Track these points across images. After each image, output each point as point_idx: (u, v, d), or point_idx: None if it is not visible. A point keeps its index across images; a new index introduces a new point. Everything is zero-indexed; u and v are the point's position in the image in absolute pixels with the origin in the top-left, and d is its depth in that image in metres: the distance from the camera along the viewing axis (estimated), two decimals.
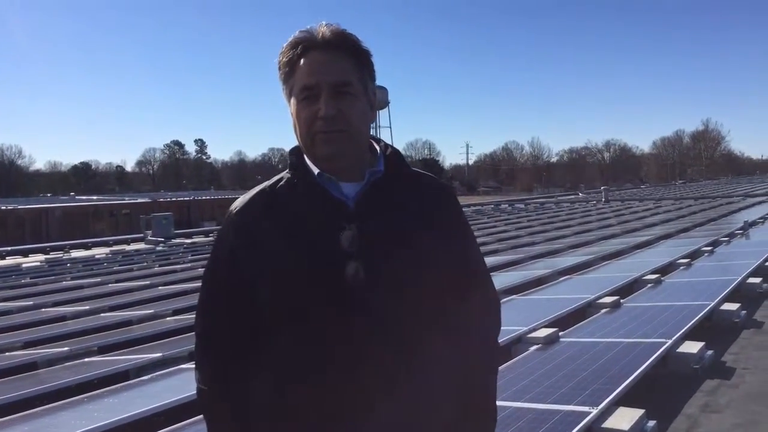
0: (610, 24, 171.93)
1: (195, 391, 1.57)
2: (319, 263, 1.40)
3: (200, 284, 1.59)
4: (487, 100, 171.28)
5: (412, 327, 1.42)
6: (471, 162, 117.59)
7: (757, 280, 8.35)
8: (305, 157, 1.51)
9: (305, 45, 1.45)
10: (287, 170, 1.53)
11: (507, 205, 38.70)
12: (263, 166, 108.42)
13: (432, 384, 1.43)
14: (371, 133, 1.56)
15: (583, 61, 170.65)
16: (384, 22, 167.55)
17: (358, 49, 1.48)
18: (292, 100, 1.47)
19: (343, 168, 1.46)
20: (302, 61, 1.45)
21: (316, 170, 1.47)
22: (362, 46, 1.49)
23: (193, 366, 1.61)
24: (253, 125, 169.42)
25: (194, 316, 1.61)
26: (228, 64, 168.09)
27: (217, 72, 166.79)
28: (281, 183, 1.51)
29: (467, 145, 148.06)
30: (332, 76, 1.43)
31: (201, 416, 4.43)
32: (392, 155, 1.54)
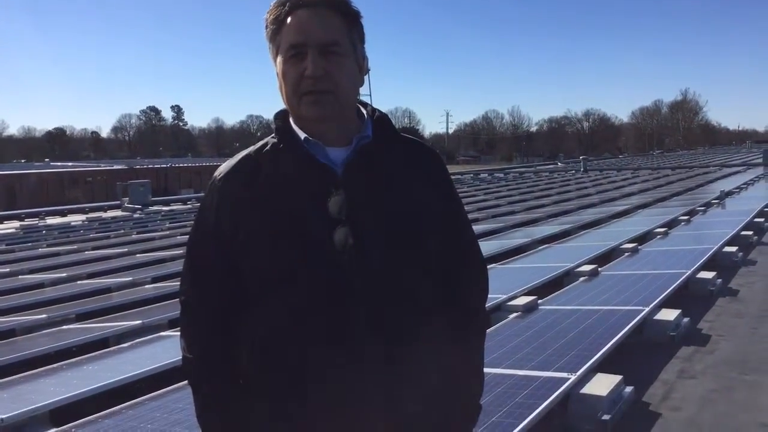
0: None
1: (177, 359, 1.56)
2: (307, 229, 1.38)
3: (181, 251, 1.57)
4: (467, 68, 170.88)
5: (402, 291, 1.41)
6: (451, 131, 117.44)
7: (733, 249, 8.48)
8: (291, 121, 1.48)
9: (293, 2, 1.41)
10: (272, 135, 1.50)
11: (487, 175, 38.77)
12: (242, 133, 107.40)
13: (421, 347, 1.42)
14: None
15: (563, 30, 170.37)
16: None
17: (347, 9, 1.45)
18: (279, 59, 1.43)
19: (329, 132, 1.44)
20: (290, 18, 1.41)
21: (302, 135, 1.44)
22: (352, 7, 1.46)
23: (175, 333, 1.60)
24: (232, 92, 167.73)
25: (174, 283, 1.61)
26: (205, 28, 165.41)
27: (195, 37, 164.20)
28: (266, 148, 1.48)
29: (447, 114, 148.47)
30: (320, 35, 1.39)
31: (184, 383, 4.44)
32: (380, 120, 1.51)
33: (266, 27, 1.45)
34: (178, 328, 1.64)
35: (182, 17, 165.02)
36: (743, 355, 4.81)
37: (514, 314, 5.69)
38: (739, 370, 4.53)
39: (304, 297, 1.38)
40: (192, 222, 1.78)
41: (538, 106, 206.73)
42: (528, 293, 6.35)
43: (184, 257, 1.57)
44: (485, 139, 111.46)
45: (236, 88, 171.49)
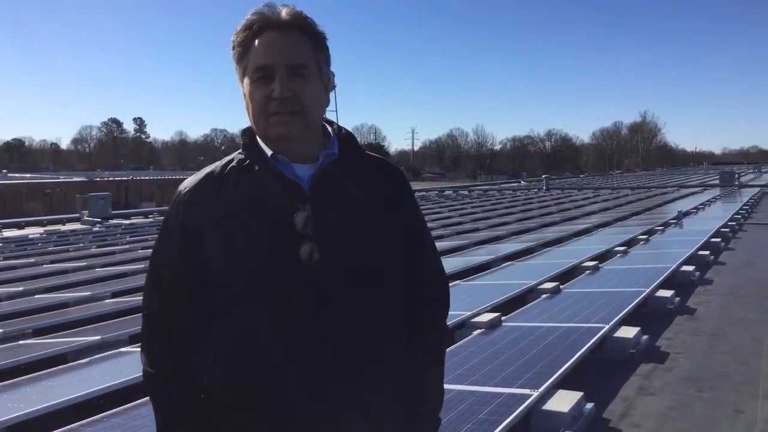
0: (552, 16, 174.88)
1: (137, 375, 1.56)
2: (273, 244, 1.39)
3: (142, 266, 1.57)
4: (433, 86, 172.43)
5: (366, 306, 1.44)
6: (416, 148, 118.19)
7: (690, 268, 8.67)
8: (258, 138, 1.50)
9: (260, 24, 1.43)
10: (238, 151, 1.52)
11: (451, 192, 39.08)
12: (206, 147, 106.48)
13: (383, 361, 1.45)
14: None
15: (528, 52, 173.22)
16: (330, 6, 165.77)
17: (314, 32, 1.48)
18: (246, 81, 1.45)
19: (296, 150, 1.46)
20: (257, 41, 1.43)
21: (269, 152, 1.46)
22: (318, 29, 1.49)
23: (135, 349, 1.60)
24: (196, 105, 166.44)
25: (135, 298, 1.61)
26: (170, 40, 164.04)
27: (159, 48, 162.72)
28: (232, 164, 1.49)
29: (413, 131, 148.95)
30: (288, 58, 1.42)
31: (144, 399, 4.37)
32: (346, 137, 1.55)
33: (233, 48, 1.47)
34: (139, 344, 1.61)
35: (146, 28, 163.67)
36: (700, 373, 4.92)
37: (478, 331, 5.73)
38: (697, 387, 4.63)
39: (269, 311, 1.39)
40: (154, 236, 1.78)
41: (502, 125, 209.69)
42: (491, 310, 6.40)
43: (147, 270, 1.57)
44: (450, 157, 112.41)
45: (200, 102, 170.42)
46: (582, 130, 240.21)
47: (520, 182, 52.18)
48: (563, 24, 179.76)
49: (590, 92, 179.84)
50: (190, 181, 1.51)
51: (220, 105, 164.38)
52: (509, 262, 10.29)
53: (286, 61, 1.42)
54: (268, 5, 1.45)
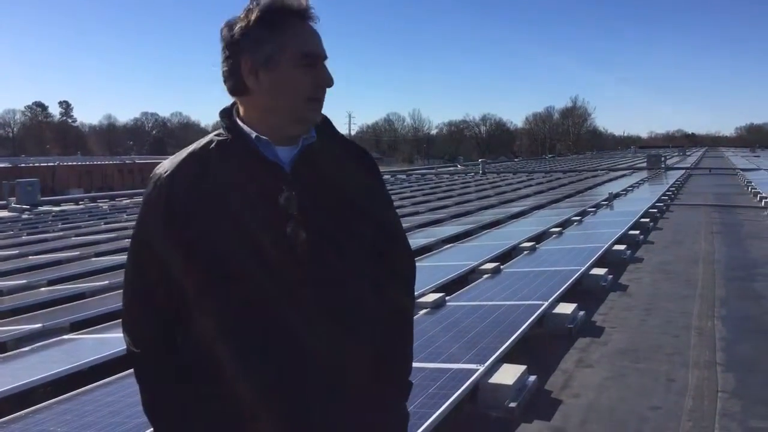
0: (486, 2, 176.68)
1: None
2: (261, 224, 1.44)
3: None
4: (369, 70, 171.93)
5: (347, 283, 1.51)
6: (353, 133, 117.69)
7: (622, 247, 9.05)
8: (238, 120, 1.54)
9: (291, 10, 1.49)
10: (216, 132, 1.55)
11: (390, 176, 39.23)
12: (135, 132, 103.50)
13: (362, 336, 1.53)
14: None
15: (462, 37, 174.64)
16: None
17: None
18: (276, 65, 1.47)
19: (279, 131, 1.51)
20: (296, 27, 1.49)
21: (253, 133, 1.50)
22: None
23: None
24: (124, 88, 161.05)
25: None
26: (96, 21, 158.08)
27: (85, 31, 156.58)
28: (212, 145, 1.52)
29: (349, 116, 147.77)
30: (323, 49, 1.53)
31: (94, 385, 4.35)
32: (323, 121, 1.60)
33: (253, 23, 1.47)
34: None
35: (71, 8, 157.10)
36: (634, 345, 5.19)
37: (424, 310, 5.87)
38: (631, 358, 4.88)
39: (259, 290, 1.44)
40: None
41: (438, 110, 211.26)
42: (436, 290, 6.55)
43: (129, 252, 1.59)
44: (387, 141, 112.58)
45: (129, 85, 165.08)
46: (516, 114, 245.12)
47: (457, 166, 52.84)
48: (496, 10, 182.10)
49: (523, 78, 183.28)
50: (169, 163, 1.53)
51: (150, 88, 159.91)
52: (450, 245, 10.49)
53: (324, 53, 1.53)
54: None
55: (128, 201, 27.49)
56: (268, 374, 1.44)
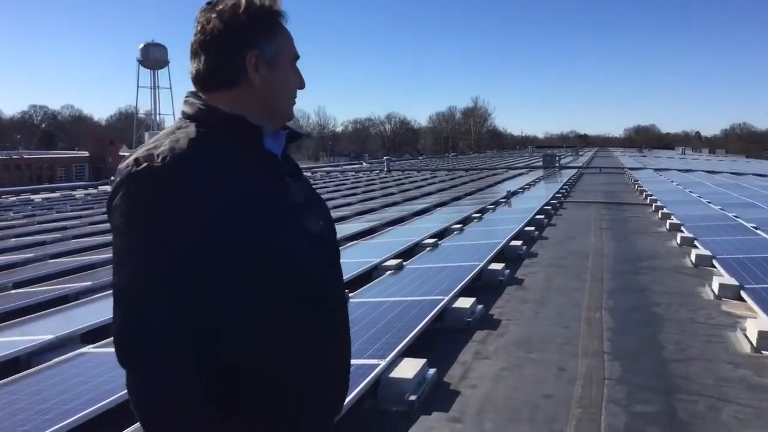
0: (389, 1, 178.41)
1: None
2: (288, 211, 1.48)
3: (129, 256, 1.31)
4: None
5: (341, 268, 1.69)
6: None
7: (518, 242, 9.39)
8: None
9: (280, 15, 1.53)
10: (191, 126, 1.44)
11: None
12: (23, 125, 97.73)
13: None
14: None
15: (367, 34, 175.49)
16: None
17: None
18: (278, 64, 1.51)
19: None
20: (283, 31, 1.53)
21: (261, 126, 1.52)
22: None
23: None
24: (10, 80, 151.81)
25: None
26: None
27: None
28: (209, 132, 1.44)
29: None
30: None
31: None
32: None
33: (263, 18, 1.49)
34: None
35: None
36: (528, 336, 5.40)
37: None
38: (526, 349, 5.08)
39: (298, 287, 1.46)
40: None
41: (344, 108, 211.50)
42: None
43: (132, 267, 1.33)
44: None
45: (15, 77, 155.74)
46: (420, 113, 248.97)
47: (362, 164, 53.04)
48: (399, 9, 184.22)
49: (427, 77, 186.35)
50: (177, 146, 1.37)
51: (37, 80, 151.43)
52: (354, 242, 10.55)
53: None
54: None
55: (14, 198, 25.93)
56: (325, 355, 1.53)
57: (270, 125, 1.53)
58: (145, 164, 1.33)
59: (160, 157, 1.34)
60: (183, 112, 1.51)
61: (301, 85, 1.59)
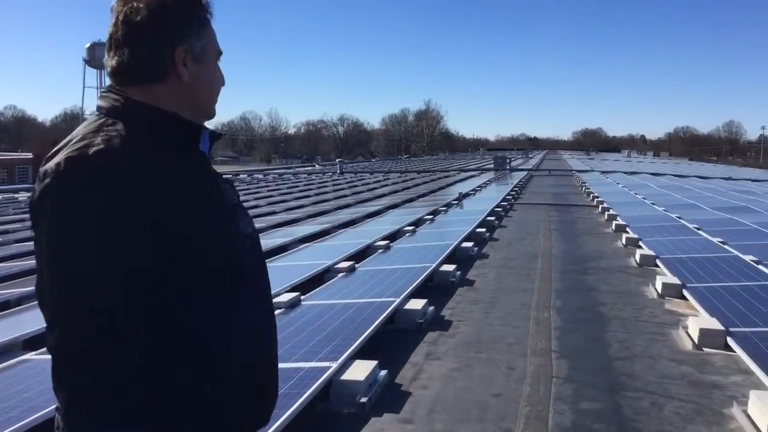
0: (341, 3, 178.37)
1: None
2: (225, 215, 1.49)
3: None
4: (225, 68, 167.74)
5: None
6: None
7: (470, 244, 9.49)
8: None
9: (208, 10, 1.50)
10: (147, 116, 1.39)
11: (246, 176, 38.55)
12: None
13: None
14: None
15: (321, 37, 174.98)
16: None
17: None
18: (209, 59, 1.49)
19: None
20: (210, 26, 1.51)
21: (195, 123, 1.50)
22: None
23: None
24: None
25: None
26: None
27: None
28: (142, 130, 1.37)
29: None
30: None
31: None
32: None
33: (196, 11, 1.46)
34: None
35: None
36: (479, 337, 5.46)
37: (279, 311, 5.83)
38: (476, 349, 5.14)
39: (246, 288, 1.49)
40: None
41: (296, 109, 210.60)
42: (291, 290, 6.54)
43: (76, 270, 1.30)
44: (244, 140, 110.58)
45: None
46: (372, 115, 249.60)
47: (315, 166, 52.87)
48: (352, 10, 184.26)
49: (380, 79, 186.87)
50: (106, 149, 1.30)
51: (7, 78, 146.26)
52: (306, 244, 10.50)
53: None
54: None
55: None
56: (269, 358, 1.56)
57: (198, 122, 1.51)
58: (81, 162, 1.27)
59: (97, 155, 1.28)
60: (105, 108, 1.40)
61: (222, 81, 1.56)
